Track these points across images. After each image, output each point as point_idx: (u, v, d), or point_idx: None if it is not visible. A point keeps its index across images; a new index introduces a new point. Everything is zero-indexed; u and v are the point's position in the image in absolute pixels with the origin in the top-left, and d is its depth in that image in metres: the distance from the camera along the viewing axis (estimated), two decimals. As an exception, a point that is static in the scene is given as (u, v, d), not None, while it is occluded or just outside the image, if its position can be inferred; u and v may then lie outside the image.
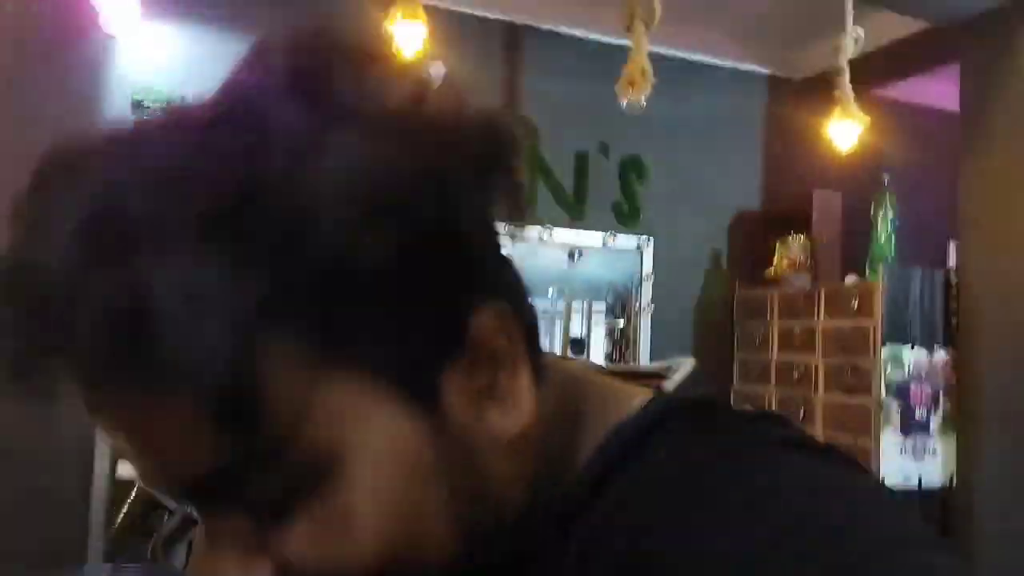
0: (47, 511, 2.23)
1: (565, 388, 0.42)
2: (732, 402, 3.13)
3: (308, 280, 0.31)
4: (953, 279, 2.62)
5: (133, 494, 2.22)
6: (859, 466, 0.37)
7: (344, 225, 0.31)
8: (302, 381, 0.32)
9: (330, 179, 0.31)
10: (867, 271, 2.74)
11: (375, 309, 0.33)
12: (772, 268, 3.00)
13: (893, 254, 2.71)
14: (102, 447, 2.30)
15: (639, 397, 0.41)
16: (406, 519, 0.35)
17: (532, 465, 0.39)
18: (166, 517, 2.28)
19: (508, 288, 0.39)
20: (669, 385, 0.42)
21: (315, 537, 0.34)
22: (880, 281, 2.55)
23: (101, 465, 2.28)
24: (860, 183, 2.84)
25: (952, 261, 2.76)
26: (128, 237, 0.29)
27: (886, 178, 2.77)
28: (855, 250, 2.87)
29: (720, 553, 0.30)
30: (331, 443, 0.33)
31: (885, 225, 2.75)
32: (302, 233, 0.30)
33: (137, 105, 2.36)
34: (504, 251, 0.39)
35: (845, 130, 2.42)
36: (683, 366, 0.44)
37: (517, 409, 0.37)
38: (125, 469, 2.14)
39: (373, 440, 0.34)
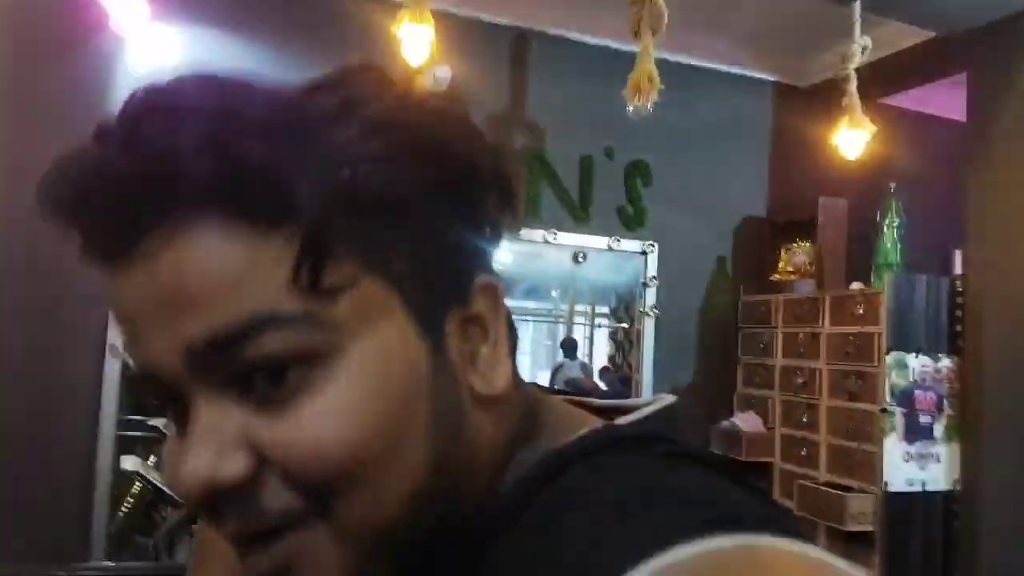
0: (48, 507, 2.24)
1: (530, 400, 0.46)
2: (733, 406, 3.11)
3: (367, 196, 0.37)
4: (958, 286, 2.61)
5: (137, 487, 2.23)
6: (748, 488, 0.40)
7: (385, 162, 0.38)
8: (352, 264, 0.37)
9: (379, 131, 0.39)
10: (872, 278, 2.74)
11: (406, 236, 0.39)
12: (777, 274, 3.01)
13: (900, 262, 2.71)
14: (105, 442, 2.31)
15: (585, 428, 0.44)
16: (392, 420, 0.38)
17: (499, 447, 0.43)
18: (167, 513, 2.30)
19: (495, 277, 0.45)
20: (623, 420, 0.46)
21: (305, 423, 0.36)
22: (885, 288, 2.55)
23: (104, 459, 2.30)
24: (866, 191, 2.84)
25: (957, 268, 2.75)
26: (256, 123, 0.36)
27: (892, 186, 2.77)
28: (860, 257, 2.87)
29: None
30: (354, 325, 0.37)
31: (891, 233, 2.75)
32: (367, 160, 0.38)
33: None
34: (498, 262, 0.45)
35: (852, 138, 2.42)
36: (650, 405, 0.48)
37: (493, 381, 0.42)
38: (129, 462, 2.15)
39: (386, 342, 0.38)
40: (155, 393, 0.40)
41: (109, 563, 2.16)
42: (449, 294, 0.41)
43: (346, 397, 0.37)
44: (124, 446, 2.31)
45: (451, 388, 0.40)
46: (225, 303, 0.36)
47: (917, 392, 2.57)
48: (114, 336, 2.31)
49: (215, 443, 0.36)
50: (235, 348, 0.36)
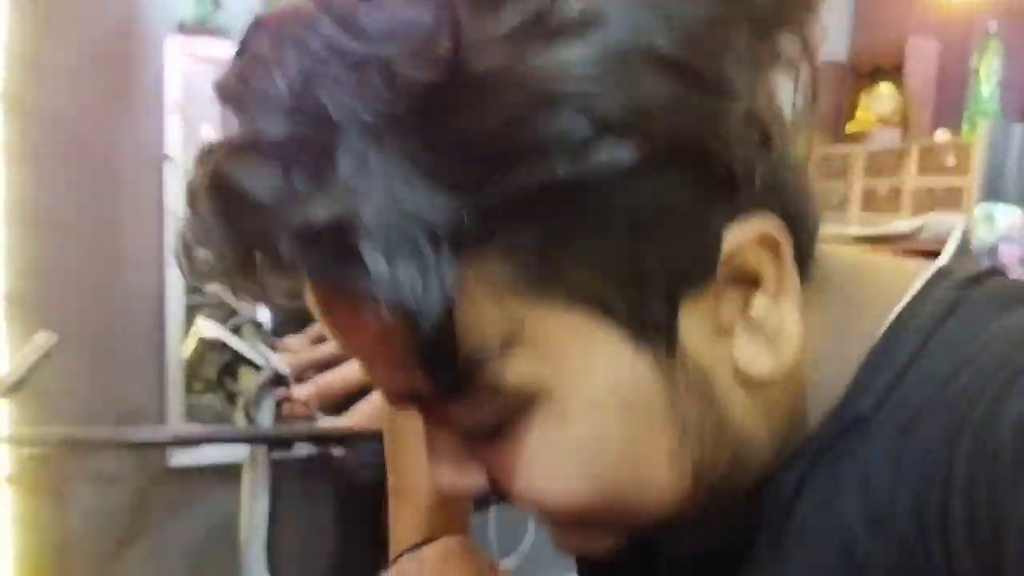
0: (118, 368, 2.18)
1: (825, 287, 0.35)
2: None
3: (516, 197, 0.26)
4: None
5: (213, 351, 2.15)
6: None
7: (566, 132, 0.25)
8: (506, 311, 0.28)
9: (550, 75, 0.25)
10: (962, 127, 2.59)
11: (596, 233, 0.28)
12: (856, 122, 2.84)
13: (996, 109, 2.55)
14: (173, 306, 2.21)
15: (916, 278, 0.34)
16: (627, 464, 0.32)
17: (786, 403, 0.34)
18: (240, 373, 2.23)
19: (779, 193, 0.32)
20: (943, 258, 0.36)
21: (523, 465, 0.32)
22: (980, 137, 2.41)
23: (174, 323, 2.20)
24: (958, 32, 2.63)
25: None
26: (327, 146, 0.26)
27: (993, 26, 2.56)
28: (949, 104, 2.70)
29: None
30: (540, 378, 0.30)
31: (988, 78, 2.56)
32: (510, 137, 0.25)
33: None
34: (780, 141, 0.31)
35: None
36: (950, 231, 0.38)
37: (777, 345, 0.32)
38: (208, 328, 2.06)
39: (590, 378, 0.30)
40: None
41: (199, 426, 2.13)
42: (675, 279, 0.30)
43: (562, 441, 0.31)
44: (191, 313, 2.22)
45: (700, 386, 0.32)
46: (383, 374, 0.33)
47: (1002, 246, 2.49)
48: (170, 185, 2.15)
49: (450, 458, 0.35)
50: (421, 410, 0.34)
